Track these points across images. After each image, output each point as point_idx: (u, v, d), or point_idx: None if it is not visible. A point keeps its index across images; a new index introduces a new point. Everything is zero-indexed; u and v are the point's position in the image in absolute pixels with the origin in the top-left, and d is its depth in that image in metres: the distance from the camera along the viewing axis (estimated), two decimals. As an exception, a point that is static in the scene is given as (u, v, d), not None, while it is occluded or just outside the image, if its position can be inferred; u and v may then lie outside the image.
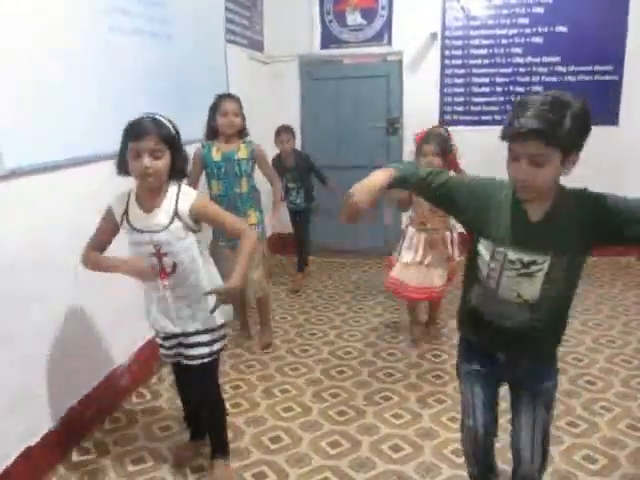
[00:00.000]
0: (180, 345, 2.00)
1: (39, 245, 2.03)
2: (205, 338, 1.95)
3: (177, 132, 1.82)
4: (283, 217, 4.49)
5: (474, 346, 1.60)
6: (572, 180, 1.38)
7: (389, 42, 4.83)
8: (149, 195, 1.82)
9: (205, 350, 1.96)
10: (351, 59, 4.96)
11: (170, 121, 1.81)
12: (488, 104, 4.80)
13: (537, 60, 4.63)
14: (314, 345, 3.25)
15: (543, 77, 4.65)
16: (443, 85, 4.85)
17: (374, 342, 3.28)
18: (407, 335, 3.34)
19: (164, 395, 2.68)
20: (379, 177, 1.49)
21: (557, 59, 4.59)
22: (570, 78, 4.59)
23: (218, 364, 2.07)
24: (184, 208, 1.82)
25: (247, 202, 3.04)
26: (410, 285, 3.05)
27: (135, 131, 1.72)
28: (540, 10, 4.54)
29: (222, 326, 2.01)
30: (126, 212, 1.83)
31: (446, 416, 2.45)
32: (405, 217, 3.13)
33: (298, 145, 4.54)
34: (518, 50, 4.65)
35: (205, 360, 1.97)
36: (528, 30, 4.60)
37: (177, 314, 1.91)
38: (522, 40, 4.63)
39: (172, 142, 1.77)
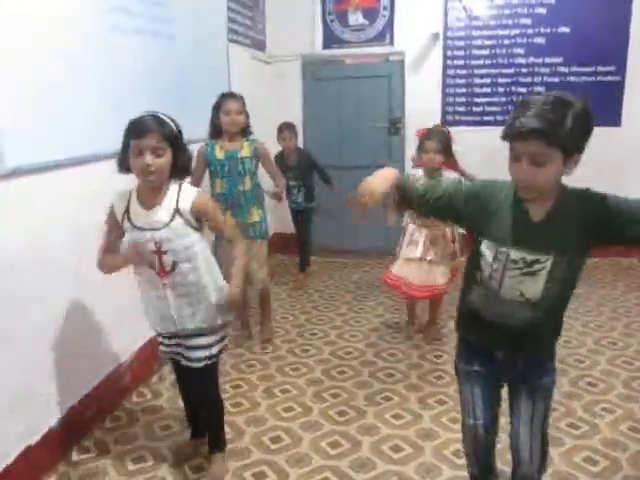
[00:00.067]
0: (180, 346, 2.00)
1: (39, 245, 2.04)
2: (205, 341, 1.95)
3: (179, 130, 1.82)
4: (285, 217, 4.51)
5: (473, 345, 1.60)
6: (574, 180, 1.38)
7: (391, 42, 4.83)
8: (150, 193, 1.82)
9: (205, 353, 1.96)
10: (353, 59, 4.96)
11: (172, 119, 1.81)
12: (490, 104, 4.79)
13: (539, 61, 4.62)
14: (315, 345, 3.25)
15: (545, 78, 4.64)
16: (445, 85, 4.84)
17: (375, 342, 3.28)
18: (408, 335, 3.34)
19: (164, 394, 2.68)
20: (389, 172, 1.49)
21: (559, 60, 4.59)
22: (572, 79, 4.58)
23: (218, 365, 2.07)
24: (185, 205, 1.82)
25: (250, 200, 3.05)
26: (413, 283, 3.06)
27: (137, 129, 1.72)
28: (542, 10, 4.53)
29: (222, 327, 2.01)
30: (127, 210, 1.84)
31: (447, 417, 2.45)
32: (406, 214, 3.14)
33: (300, 145, 4.53)
34: (520, 50, 4.64)
35: (205, 363, 1.97)
36: (530, 30, 4.59)
37: (177, 313, 1.91)
38: (524, 40, 4.62)
39: (174, 140, 1.78)
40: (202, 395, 2.10)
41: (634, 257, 4.65)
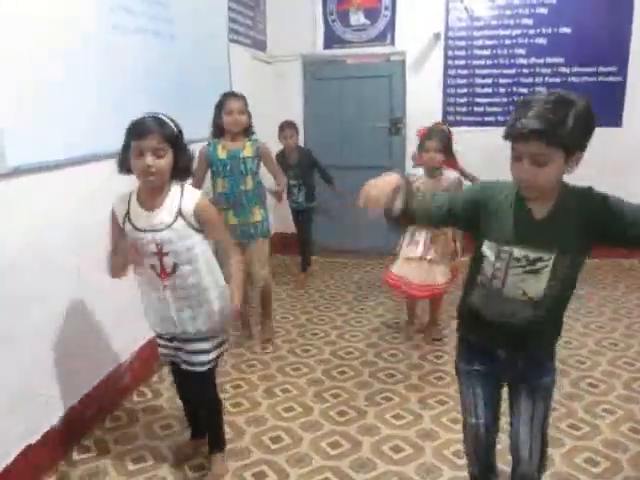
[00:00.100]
0: (179, 350, 1.99)
1: (39, 245, 2.03)
2: (206, 345, 1.95)
3: (180, 131, 1.82)
4: (285, 216, 4.51)
5: (473, 345, 1.60)
6: (575, 181, 1.38)
7: (392, 42, 4.82)
8: (151, 194, 1.82)
9: (205, 357, 1.96)
10: (354, 59, 4.95)
11: (173, 120, 1.81)
12: (491, 105, 4.79)
13: (540, 61, 4.62)
14: (316, 345, 3.25)
15: (546, 78, 4.63)
16: (446, 85, 4.84)
17: (376, 342, 3.28)
18: (408, 336, 3.34)
19: (165, 394, 2.67)
20: (392, 177, 1.48)
21: (561, 60, 4.58)
22: (574, 79, 4.58)
23: (217, 368, 2.07)
24: (188, 207, 1.81)
25: (252, 200, 3.06)
26: (413, 282, 3.07)
27: (138, 130, 1.72)
28: (544, 11, 4.53)
29: (223, 331, 2.01)
30: (128, 212, 1.83)
31: (447, 417, 2.45)
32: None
33: (301, 145, 4.53)
34: (521, 51, 4.64)
35: (205, 367, 1.97)
36: (532, 31, 4.58)
37: (178, 315, 1.90)
38: (526, 41, 4.61)
39: (175, 141, 1.77)
40: (201, 397, 2.09)
41: (635, 258, 4.64)
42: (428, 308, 3.41)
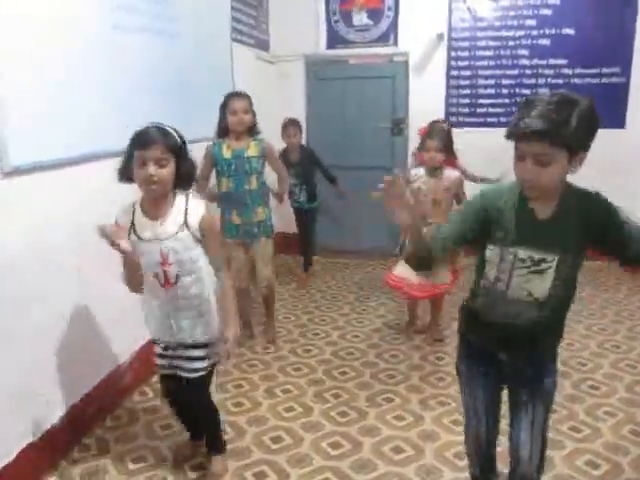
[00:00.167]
0: (175, 358, 1.97)
1: (39, 245, 2.03)
2: (201, 353, 1.94)
3: (183, 142, 1.82)
4: (287, 216, 4.51)
5: (475, 347, 1.59)
6: (579, 181, 1.38)
7: (395, 43, 4.82)
8: (154, 203, 1.82)
9: (200, 364, 1.95)
10: (357, 59, 4.95)
11: (176, 130, 1.82)
12: (494, 106, 4.78)
13: (543, 62, 4.61)
14: (317, 345, 3.25)
15: (549, 79, 4.62)
16: (449, 86, 4.83)
17: (377, 343, 3.27)
18: (410, 337, 3.34)
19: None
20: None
21: (564, 61, 4.57)
22: (577, 80, 4.57)
23: (211, 375, 2.06)
24: (194, 219, 1.82)
25: (256, 199, 3.06)
26: (414, 283, 3.06)
27: (142, 140, 1.73)
28: (547, 12, 4.52)
29: (220, 340, 1.98)
30: (132, 223, 1.83)
31: (448, 418, 2.44)
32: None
33: (304, 144, 4.53)
34: (525, 52, 4.63)
35: (199, 374, 1.96)
36: (535, 32, 4.57)
37: (177, 324, 1.91)
38: (529, 42, 4.60)
39: (178, 151, 1.78)
40: (195, 404, 2.08)
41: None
42: (429, 309, 3.40)
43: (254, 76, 4.40)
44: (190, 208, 1.83)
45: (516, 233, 1.39)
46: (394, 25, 4.78)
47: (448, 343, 3.20)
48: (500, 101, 4.75)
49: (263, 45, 4.72)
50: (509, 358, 1.53)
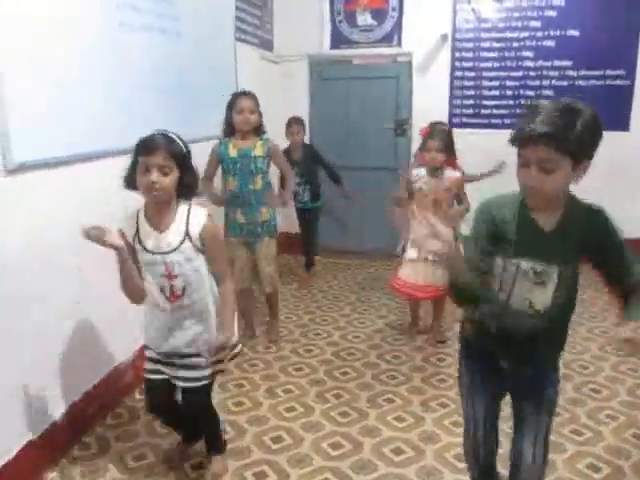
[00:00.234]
0: (174, 366, 1.94)
1: (40, 245, 2.03)
2: (202, 361, 1.90)
3: (188, 150, 1.82)
4: (290, 216, 4.51)
5: (477, 355, 1.59)
6: (583, 186, 1.37)
7: (399, 43, 4.81)
8: (158, 211, 1.82)
9: (200, 373, 1.93)
10: (361, 59, 4.95)
11: (181, 139, 1.82)
12: (498, 107, 4.77)
13: (548, 64, 4.59)
14: (318, 345, 3.25)
15: (554, 81, 4.61)
16: (453, 87, 4.82)
17: (378, 344, 3.27)
18: (411, 337, 3.34)
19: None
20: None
21: (568, 63, 4.55)
22: (581, 82, 4.55)
23: (212, 384, 2.04)
24: (195, 230, 1.82)
25: (261, 199, 3.07)
26: (418, 284, 3.09)
27: (146, 146, 1.73)
28: (552, 13, 4.50)
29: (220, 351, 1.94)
30: (137, 232, 1.83)
31: (449, 420, 2.44)
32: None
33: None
34: (529, 53, 4.61)
35: (200, 383, 1.94)
36: (539, 33, 4.56)
37: (180, 333, 1.89)
38: (533, 43, 4.59)
39: (182, 160, 1.78)
40: (196, 411, 2.06)
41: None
42: (431, 310, 3.40)
43: (258, 76, 4.40)
44: (192, 217, 1.83)
45: (519, 244, 1.38)
46: (398, 25, 4.78)
47: (450, 345, 3.20)
48: (504, 102, 4.74)
49: (267, 45, 4.72)
50: (511, 366, 1.52)
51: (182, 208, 1.84)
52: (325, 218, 4.60)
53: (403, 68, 4.85)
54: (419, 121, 4.61)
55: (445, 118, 4.73)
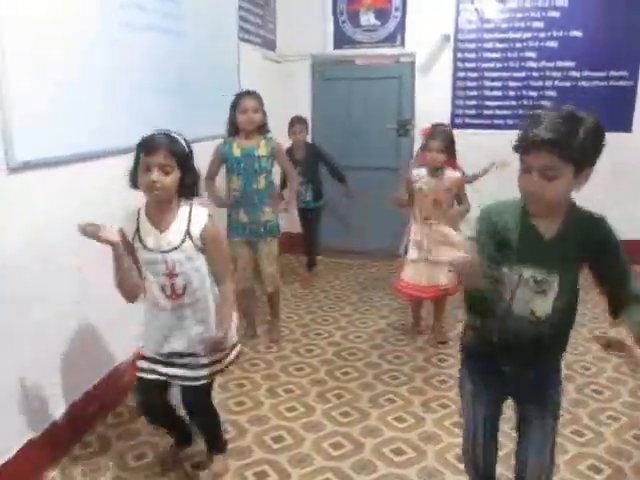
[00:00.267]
0: (175, 365, 1.92)
1: (39, 245, 2.03)
2: (203, 360, 1.91)
3: (190, 150, 1.82)
4: (292, 216, 4.51)
5: (478, 357, 1.58)
6: (585, 188, 1.36)
7: (402, 43, 4.81)
8: (159, 210, 1.82)
9: (201, 372, 1.92)
10: (363, 60, 4.95)
11: (184, 139, 1.82)
12: (500, 108, 4.76)
13: (551, 65, 4.59)
14: (319, 345, 3.24)
15: (556, 82, 4.60)
16: (455, 88, 4.82)
17: (380, 344, 3.27)
18: (413, 338, 3.33)
19: (168, 391, 2.67)
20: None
21: (571, 64, 4.55)
22: (584, 83, 4.55)
23: (212, 383, 2.04)
24: (196, 229, 1.82)
25: (264, 198, 3.07)
26: (421, 284, 3.11)
27: (147, 145, 1.73)
28: (555, 14, 4.50)
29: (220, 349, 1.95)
30: (137, 230, 1.83)
31: (450, 421, 2.43)
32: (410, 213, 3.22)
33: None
34: (532, 54, 4.61)
35: (200, 382, 1.93)
36: (542, 34, 4.55)
37: (182, 333, 1.88)
38: (536, 44, 4.58)
39: (184, 159, 1.77)
40: (196, 411, 2.06)
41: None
42: (432, 310, 3.40)
43: (260, 76, 4.40)
44: (193, 217, 1.83)
45: (521, 252, 1.38)
46: (401, 26, 4.78)
47: (451, 346, 3.19)
48: (507, 103, 4.74)
49: (270, 45, 4.72)
50: (513, 369, 1.51)
51: (183, 208, 1.84)
52: (327, 218, 4.60)
53: (406, 68, 4.85)
54: (421, 121, 4.61)
55: (447, 118, 4.74)
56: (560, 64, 4.57)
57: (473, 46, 4.70)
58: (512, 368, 1.51)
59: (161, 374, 1.93)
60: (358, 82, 4.95)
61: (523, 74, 4.66)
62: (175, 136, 1.79)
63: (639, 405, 2.56)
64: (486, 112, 4.80)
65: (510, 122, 4.71)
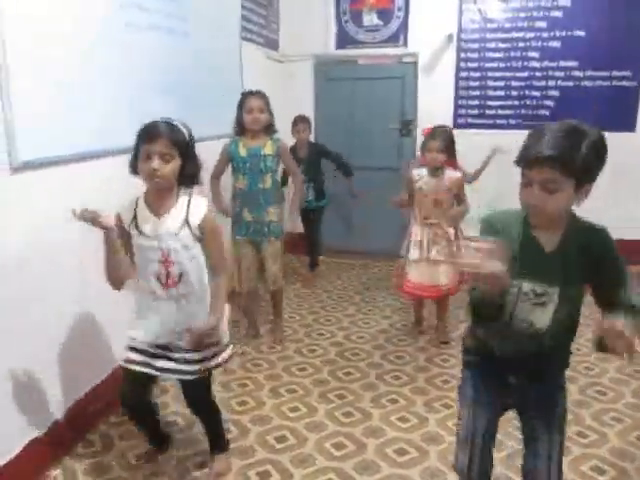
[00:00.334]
0: (170, 359, 1.90)
1: (40, 245, 2.03)
2: (196, 355, 1.88)
3: (191, 138, 1.81)
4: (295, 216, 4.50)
5: (481, 371, 1.56)
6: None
7: (405, 43, 4.81)
8: (158, 197, 1.81)
9: (194, 367, 1.90)
10: (366, 60, 4.94)
11: (186, 126, 1.80)
12: (503, 108, 4.76)
13: (554, 64, 4.58)
14: (322, 345, 3.24)
15: (559, 82, 4.59)
16: (458, 88, 4.81)
17: (382, 344, 3.26)
18: (415, 338, 3.33)
19: (170, 390, 2.67)
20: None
21: (574, 64, 4.54)
22: (587, 83, 4.54)
23: (210, 377, 2.02)
24: (195, 218, 1.81)
25: (269, 199, 3.08)
26: (423, 285, 3.12)
27: (148, 133, 1.72)
28: (558, 14, 4.49)
29: (216, 343, 1.93)
30: (135, 217, 1.82)
31: (452, 421, 2.42)
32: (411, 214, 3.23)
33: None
34: (535, 54, 4.60)
35: (194, 376, 1.91)
36: (545, 34, 4.54)
37: (177, 326, 1.85)
38: (539, 44, 4.57)
39: (185, 148, 1.76)
40: (198, 405, 2.06)
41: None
42: (435, 311, 3.39)
43: (263, 76, 4.40)
44: (192, 206, 1.82)
45: (521, 265, 1.36)
46: (404, 26, 4.77)
47: (454, 346, 3.19)
48: (509, 103, 4.73)
49: (272, 44, 4.72)
50: (519, 382, 1.49)
51: (183, 197, 1.83)
52: (330, 218, 4.59)
53: (409, 68, 4.85)
54: (424, 121, 4.61)
55: (450, 118, 4.74)
56: (563, 64, 4.56)
57: (476, 46, 4.70)
58: (517, 379, 1.49)
59: (152, 367, 1.89)
60: (361, 82, 4.95)
61: (526, 74, 4.65)
62: (176, 124, 1.77)
63: (642, 406, 2.56)
64: (489, 112, 4.80)
65: (512, 122, 4.71)
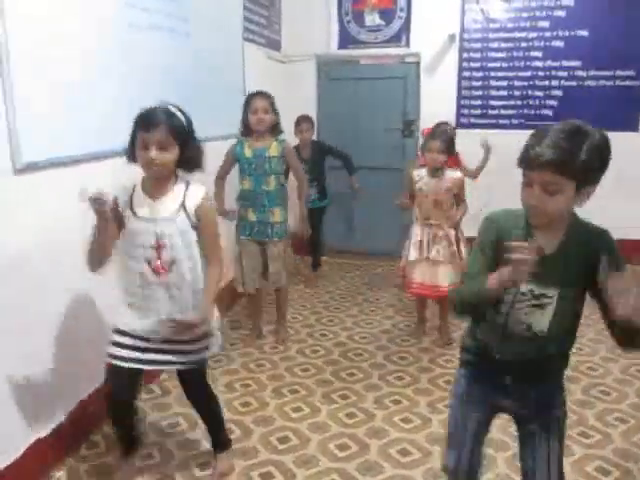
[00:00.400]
0: (165, 352, 1.85)
1: (47, 245, 2.04)
2: (187, 347, 1.85)
3: (189, 122, 1.78)
4: (296, 216, 4.50)
5: (477, 373, 1.54)
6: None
7: (407, 43, 4.80)
8: (156, 182, 1.78)
9: (187, 358, 1.87)
10: (368, 60, 4.94)
11: (182, 111, 1.77)
12: (505, 107, 4.75)
13: (557, 64, 4.57)
14: (325, 346, 3.24)
15: (562, 81, 4.58)
16: (460, 88, 4.81)
17: (385, 345, 3.26)
18: (418, 339, 3.33)
19: (173, 392, 2.67)
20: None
21: (577, 63, 4.53)
22: (590, 83, 4.53)
23: (205, 367, 2.02)
24: (191, 203, 1.78)
25: (273, 200, 3.08)
26: (425, 284, 3.13)
27: (145, 122, 1.69)
28: (561, 13, 4.48)
29: (207, 335, 1.89)
30: (131, 199, 1.78)
31: (456, 422, 2.43)
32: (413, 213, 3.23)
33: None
34: (537, 54, 4.59)
35: (186, 367, 1.90)
36: (548, 34, 4.54)
37: (168, 316, 1.78)
38: (542, 44, 4.57)
39: (183, 135, 1.73)
40: (197, 395, 2.05)
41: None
42: (437, 311, 3.39)
43: (265, 76, 4.40)
44: (190, 192, 1.79)
45: None
46: (406, 26, 4.77)
47: (456, 347, 3.17)
48: (512, 103, 4.72)
49: (275, 45, 4.72)
50: (516, 384, 1.47)
51: (181, 183, 1.80)
52: (332, 218, 4.59)
53: (411, 68, 4.84)
54: (426, 122, 4.59)
55: (453, 118, 4.73)
56: (566, 64, 4.55)
57: (478, 46, 4.69)
58: (514, 380, 1.46)
59: (141, 362, 1.84)
60: (363, 82, 4.95)
61: (529, 74, 4.64)
62: (173, 111, 1.74)
63: (646, 406, 2.55)
64: (491, 112, 4.79)
65: (515, 122, 4.71)
